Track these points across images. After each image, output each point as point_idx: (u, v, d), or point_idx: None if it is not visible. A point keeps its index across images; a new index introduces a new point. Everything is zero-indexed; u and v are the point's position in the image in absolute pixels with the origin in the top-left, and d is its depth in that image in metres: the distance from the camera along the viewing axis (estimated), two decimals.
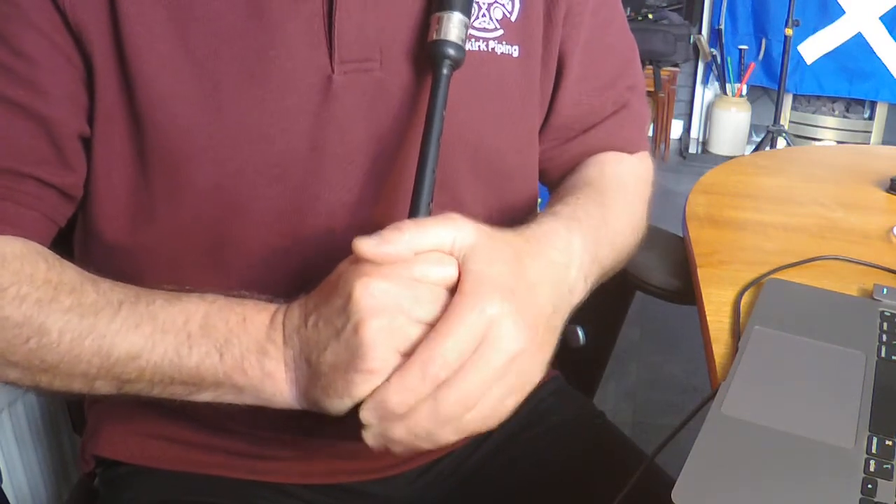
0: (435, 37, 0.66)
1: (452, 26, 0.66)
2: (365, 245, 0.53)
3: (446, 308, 0.54)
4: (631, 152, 0.84)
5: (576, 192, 0.74)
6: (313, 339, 0.56)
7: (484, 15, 0.72)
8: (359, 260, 0.55)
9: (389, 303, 0.53)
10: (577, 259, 0.64)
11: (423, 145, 0.63)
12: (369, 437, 0.55)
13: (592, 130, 0.82)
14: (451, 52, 0.65)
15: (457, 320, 0.53)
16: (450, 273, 0.55)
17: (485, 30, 0.72)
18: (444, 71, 0.65)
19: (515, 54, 0.73)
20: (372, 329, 0.53)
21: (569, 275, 0.63)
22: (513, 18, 0.73)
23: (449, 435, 0.55)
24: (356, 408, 0.55)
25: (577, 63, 0.78)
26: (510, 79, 0.73)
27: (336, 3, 0.65)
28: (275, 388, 0.59)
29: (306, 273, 0.63)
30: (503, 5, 0.73)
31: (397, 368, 0.53)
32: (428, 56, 0.66)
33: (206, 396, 0.61)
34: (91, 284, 0.61)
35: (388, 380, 0.53)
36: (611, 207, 0.74)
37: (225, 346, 0.58)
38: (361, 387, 0.54)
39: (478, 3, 0.71)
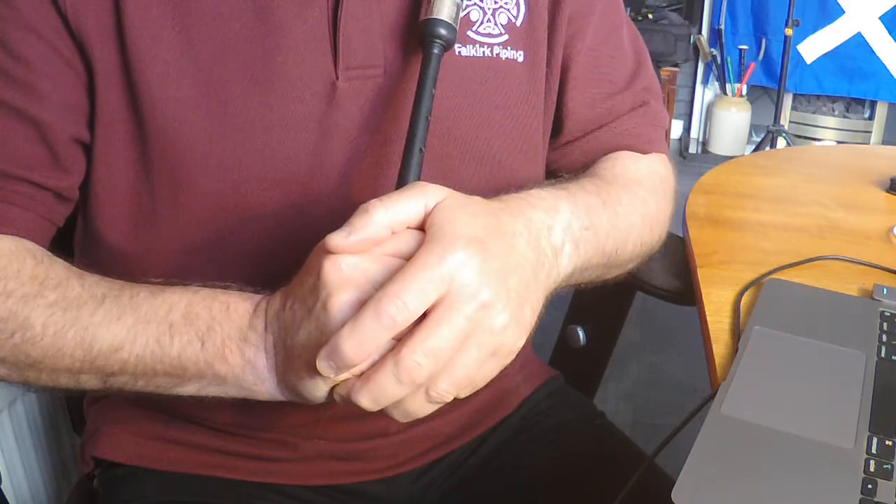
0: (426, 15, 0.65)
1: (444, 5, 0.65)
2: (335, 239, 0.52)
3: None
4: (646, 151, 0.81)
5: (575, 177, 0.73)
6: (289, 320, 0.56)
7: (489, 20, 0.71)
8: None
9: (359, 277, 0.52)
10: (562, 221, 0.62)
11: (412, 121, 0.62)
12: (335, 394, 0.54)
13: (607, 126, 0.80)
14: (442, 31, 0.64)
15: (416, 265, 0.50)
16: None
17: (489, 35, 0.71)
18: (435, 50, 0.64)
19: (520, 59, 0.72)
20: (341, 303, 0.51)
21: (551, 235, 0.61)
22: (518, 23, 0.72)
23: (420, 404, 0.52)
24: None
25: (584, 65, 0.77)
26: (515, 84, 0.73)
27: (341, 10, 0.65)
28: (256, 376, 0.58)
29: None
30: (508, 10, 0.72)
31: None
32: (418, 35, 0.65)
33: (190, 389, 0.60)
34: (77, 279, 0.61)
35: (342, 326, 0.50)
36: (614, 193, 0.71)
37: (207, 333, 0.58)
38: None
39: (483, 8, 0.71)
